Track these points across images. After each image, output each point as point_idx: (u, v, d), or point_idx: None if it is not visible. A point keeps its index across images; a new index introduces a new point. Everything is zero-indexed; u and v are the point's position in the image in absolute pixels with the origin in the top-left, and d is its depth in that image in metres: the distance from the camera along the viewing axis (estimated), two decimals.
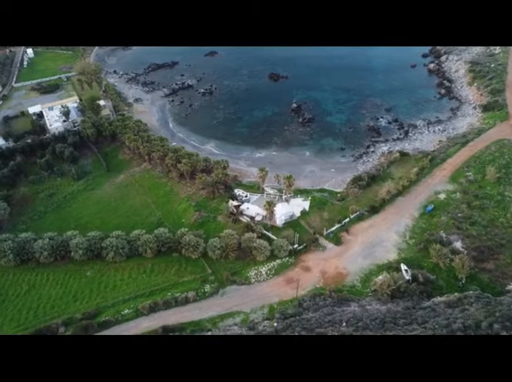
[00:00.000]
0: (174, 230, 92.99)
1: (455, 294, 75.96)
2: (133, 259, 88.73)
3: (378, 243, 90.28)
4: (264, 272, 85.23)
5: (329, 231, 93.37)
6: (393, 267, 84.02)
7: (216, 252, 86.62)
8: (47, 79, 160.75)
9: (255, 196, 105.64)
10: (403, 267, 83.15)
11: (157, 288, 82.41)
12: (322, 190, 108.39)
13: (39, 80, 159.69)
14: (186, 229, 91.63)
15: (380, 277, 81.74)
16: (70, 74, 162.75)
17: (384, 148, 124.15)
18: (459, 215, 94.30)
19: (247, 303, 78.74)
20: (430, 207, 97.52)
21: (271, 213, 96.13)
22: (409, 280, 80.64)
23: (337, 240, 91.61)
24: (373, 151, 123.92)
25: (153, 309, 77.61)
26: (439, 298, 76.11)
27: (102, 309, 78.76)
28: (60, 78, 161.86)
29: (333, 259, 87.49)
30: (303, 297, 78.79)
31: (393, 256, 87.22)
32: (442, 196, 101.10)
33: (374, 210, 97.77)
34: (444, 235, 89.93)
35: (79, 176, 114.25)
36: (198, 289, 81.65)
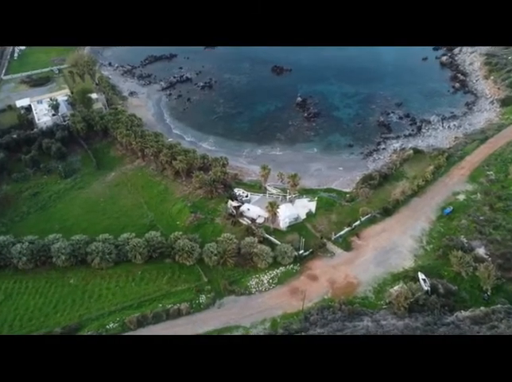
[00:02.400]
0: (167, 233, 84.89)
1: (481, 307, 67.79)
2: (121, 266, 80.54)
3: (392, 248, 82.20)
4: (266, 281, 77.27)
5: (338, 235, 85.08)
6: (409, 276, 76.03)
7: (213, 258, 78.50)
8: (38, 71, 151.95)
9: (257, 197, 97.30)
10: (421, 276, 75.09)
11: (146, 299, 74.30)
12: (329, 190, 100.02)
13: (29, 73, 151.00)
14: (180, 233, 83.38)
15: (395, 287, 73.66)
16: (62, 66, 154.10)
17: (396, 145, 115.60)
18: (480, 218, 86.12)
19: (247, 316, 70.74)
20: (448, 209, 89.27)
21: (274, 215, 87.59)
22: (427, 291, 72.42)
23: (347, 245, 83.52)
24: (384, 148, 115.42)
25: (142, 323, 69.46)
26: (463, 313, 67.77)
27: (84, 323, 70.67)
28: (51, 70, 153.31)
29: (343, 266, 79.43)
30: (309, 310, 70.94)
31: (409, 264, 79.20)
32: (461, 197, 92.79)
33: (387, 212, 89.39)
34: (464, 240, 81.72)
35: (66, 174, 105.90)
36: (192, 300, 73.52)
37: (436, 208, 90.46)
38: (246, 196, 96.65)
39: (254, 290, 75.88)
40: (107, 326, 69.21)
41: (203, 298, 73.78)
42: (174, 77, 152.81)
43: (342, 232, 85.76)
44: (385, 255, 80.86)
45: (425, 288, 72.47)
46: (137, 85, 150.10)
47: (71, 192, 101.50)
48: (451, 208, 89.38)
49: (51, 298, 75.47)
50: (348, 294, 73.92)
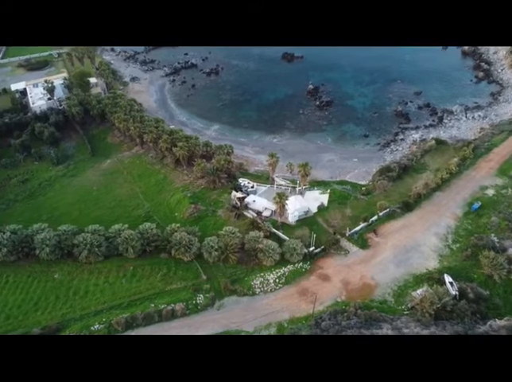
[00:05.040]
0: (164, 225, 77.32)
1: None
2: (111, 260, 73.19)
3: (413, 247, 73.94)
4: (272, 281, 69.57)
5: (353, 231, 76.80)
6: (434, 279, 67.76)
7: (213, 254, 70.79)
8: (36, 55, 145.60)
9: (263, 188, 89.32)
10: (447, 278, 66.83)
11: (137, 297, 66.80)
12: (343, 182, 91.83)
13: (28, 56, 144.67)
14: (178, 225, 75.65)
15: (419, 291, 65.19)
16: (62, 50, 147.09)
17: (415, 135, 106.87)
18: None
19: (250, 320, 63.04)
20: (476, 204, 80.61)
21: (282, 208, 79.33)
22: (455, 296, 63.84)
23: (363, 243, 75.35)
24: (402, 139, 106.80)
25: (131, 325, 61.93)
26: (497, 322, 59.11)
27: (67, 323, 63.30)
28: (50, 54, 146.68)
29: (358, 266, 71.37)
30: (320, 314, 62.95)
31: (433, 264, 70.85)
32: (490, 191, 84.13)
33: (408, 207, 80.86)
34: (496, 239, 73.15)
35: (59, 160, 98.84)
36: (189, 300, 65.81)
37: (462, 203, 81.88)
38: (252, 187, 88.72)
39: (259, 290, 68.34)
40: (92, 328, 61.61)
41: (200, 298, 66.15)
42: (179, 63, 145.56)
43: (357, 228, 77.43)
44: (405, 254, 72.70)
45: (453, 292, 64.24)
46: (140, 71, 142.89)
47: (63, 180, 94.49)
48: (480, 203, 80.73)
49: (32, 295, 68.26)
50: (364, 297, 65.99)
